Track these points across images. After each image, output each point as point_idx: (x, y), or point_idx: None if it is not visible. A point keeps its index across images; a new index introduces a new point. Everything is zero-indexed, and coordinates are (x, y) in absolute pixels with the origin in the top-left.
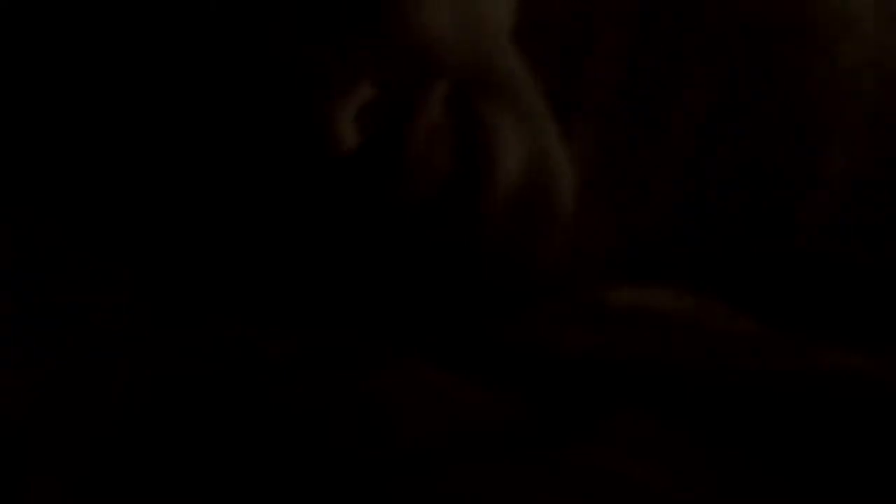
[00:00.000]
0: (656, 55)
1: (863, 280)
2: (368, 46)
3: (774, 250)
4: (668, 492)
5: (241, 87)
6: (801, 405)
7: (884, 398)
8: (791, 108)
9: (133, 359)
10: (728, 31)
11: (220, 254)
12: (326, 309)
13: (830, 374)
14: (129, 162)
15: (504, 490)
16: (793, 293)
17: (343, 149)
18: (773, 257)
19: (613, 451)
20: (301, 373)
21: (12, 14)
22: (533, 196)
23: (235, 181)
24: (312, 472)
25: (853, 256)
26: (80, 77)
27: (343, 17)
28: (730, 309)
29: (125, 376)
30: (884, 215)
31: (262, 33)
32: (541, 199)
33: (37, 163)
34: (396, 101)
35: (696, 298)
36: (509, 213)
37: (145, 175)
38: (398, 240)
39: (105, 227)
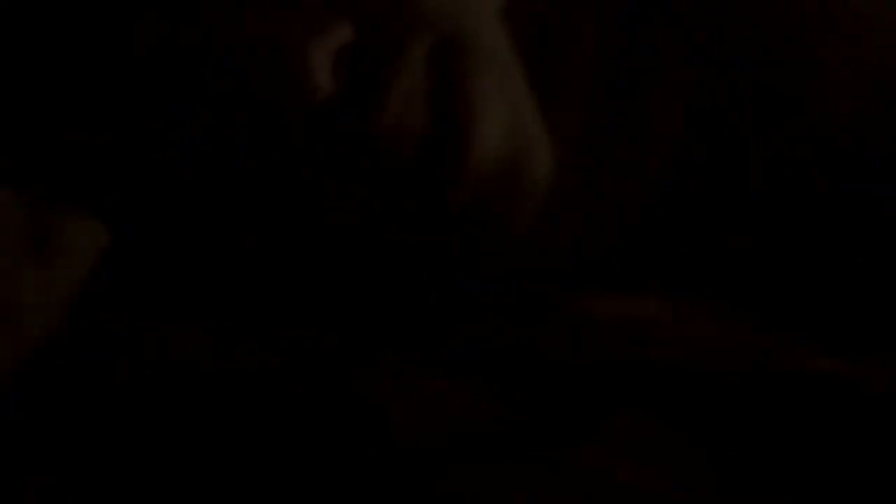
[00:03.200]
0: (640, 39)
1: (861, 280)
2: None
3: (762, 247)
4: (667, 492)
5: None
6: (796, 406)
7: (878, 398)
8: (780, 97)
9: (133, 359)
10: (715, 18)
11: (218, 253)
12: (325, 309)
13: (823, 375)
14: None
15: (504, 490)
16: (787, 293)
17: (318, 93)
18: (763, 255)
19: (613, 451)
20: (300, 373)
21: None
22: (511, 166)
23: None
24: (312, 473)
25: (852, 256)
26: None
27: None
28: (716, 312)
29: (125, 376)
30: (882, 215)
31: None
32: (518, 170)
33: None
34: (375, 51)
35: (680, 304)
36: (485, 182)
37: (141, 169)
38: (371, 208)
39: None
